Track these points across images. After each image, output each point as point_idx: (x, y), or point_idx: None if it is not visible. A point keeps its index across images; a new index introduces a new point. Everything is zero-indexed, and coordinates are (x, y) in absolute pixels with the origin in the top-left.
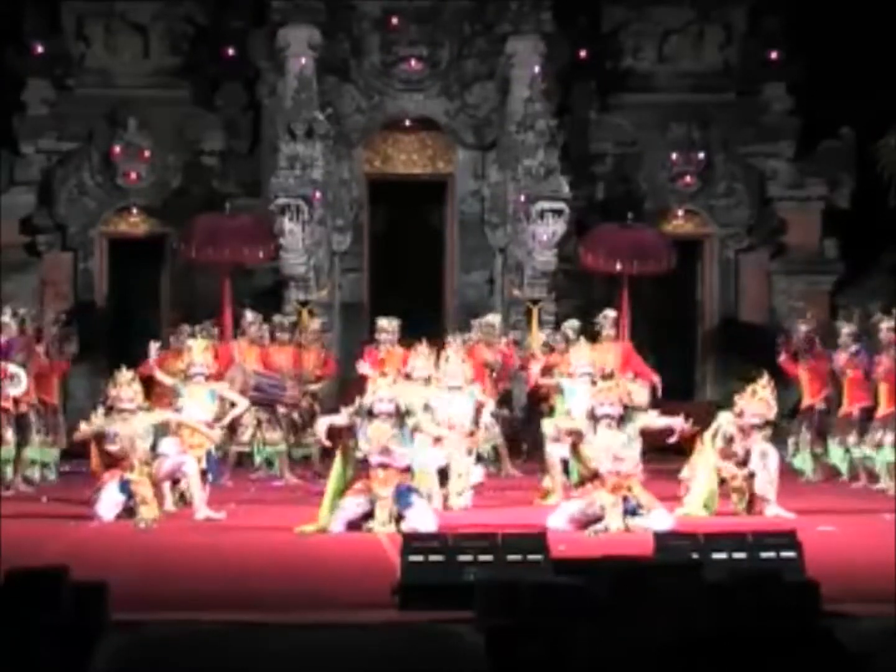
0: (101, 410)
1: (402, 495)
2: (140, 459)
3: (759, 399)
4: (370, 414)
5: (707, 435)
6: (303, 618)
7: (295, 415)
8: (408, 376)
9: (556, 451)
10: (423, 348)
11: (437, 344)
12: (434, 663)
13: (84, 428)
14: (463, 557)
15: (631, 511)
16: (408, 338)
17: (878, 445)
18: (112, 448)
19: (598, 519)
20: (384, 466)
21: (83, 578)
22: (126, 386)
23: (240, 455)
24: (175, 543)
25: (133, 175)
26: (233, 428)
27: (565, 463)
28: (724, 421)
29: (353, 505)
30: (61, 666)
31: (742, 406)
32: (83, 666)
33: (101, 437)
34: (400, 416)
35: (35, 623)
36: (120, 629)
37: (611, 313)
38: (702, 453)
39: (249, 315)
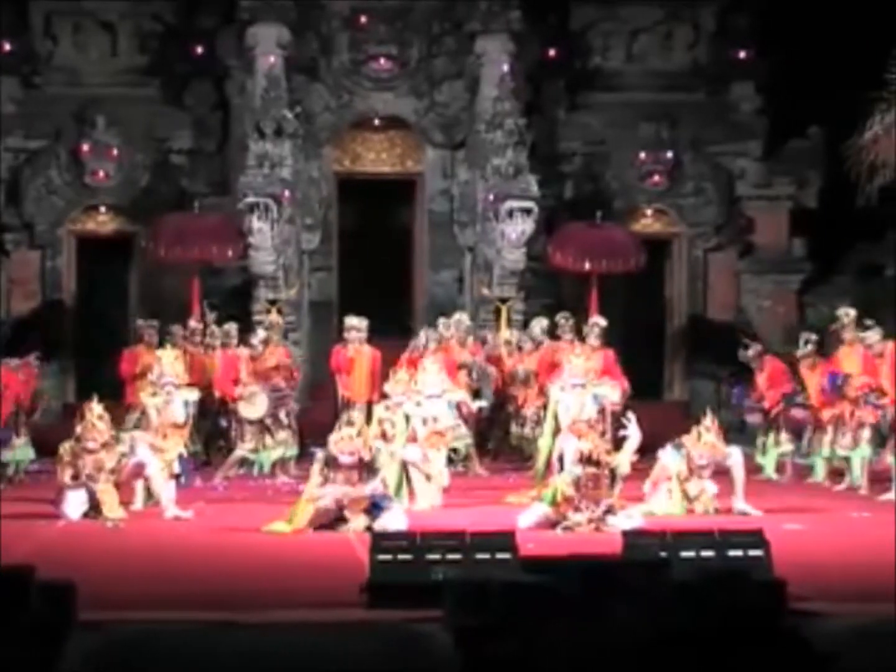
0: (68, 445)
1: (376, 506)
2: (106, 469)
3: (703, 443)
4: (335, 462)
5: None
6: (272, 617)
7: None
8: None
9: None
10: (431, 364)
11: (407, 343)
12: (403, 662)
13: (60, 471)
14: (431, 556)
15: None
16: (377, 336)
17: (856, 444)
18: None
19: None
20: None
21: (50, 578)
22: (96, 422)
23: (242, 460)
24: (143, 542)
25: (101, 173)
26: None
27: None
28: (671, 463)
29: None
30: (30, 665)
31: (689, 448)
32: (52, 666)
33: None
34: (364, 466)
35: (2, 623)
36: (88, 629)
37: (601, 322)
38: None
39: (192, 323)
